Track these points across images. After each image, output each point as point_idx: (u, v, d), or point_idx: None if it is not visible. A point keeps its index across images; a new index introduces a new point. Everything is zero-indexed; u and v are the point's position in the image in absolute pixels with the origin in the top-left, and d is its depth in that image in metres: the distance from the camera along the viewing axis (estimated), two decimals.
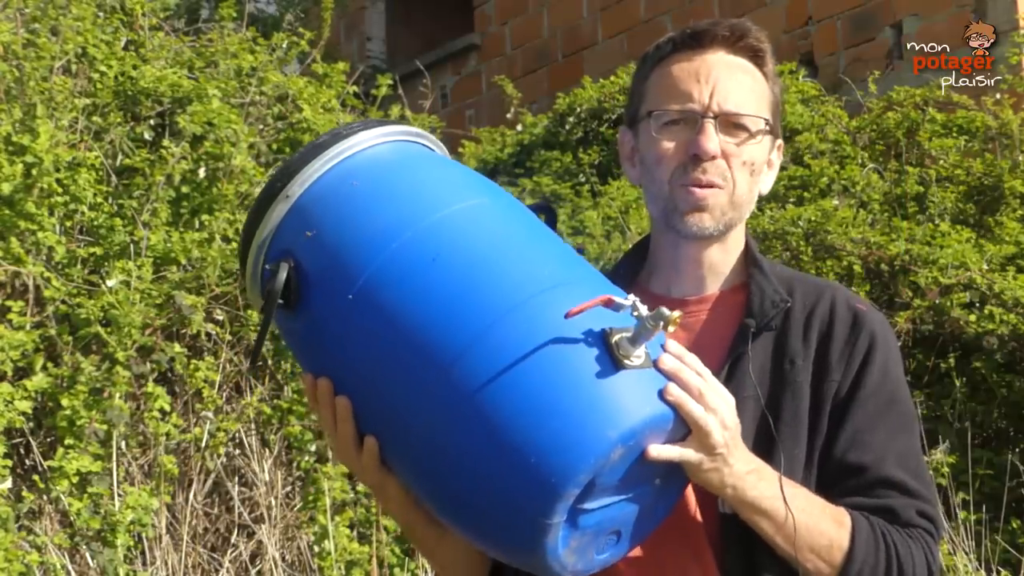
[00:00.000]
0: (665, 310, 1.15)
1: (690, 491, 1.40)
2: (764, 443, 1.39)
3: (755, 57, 1.51)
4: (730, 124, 1.45)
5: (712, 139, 1.43)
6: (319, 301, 1.24)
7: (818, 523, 1.34)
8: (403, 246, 1.21)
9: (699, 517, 1.40)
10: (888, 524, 1.38)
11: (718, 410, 1.25)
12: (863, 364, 1.44)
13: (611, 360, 1.15)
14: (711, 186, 1.44)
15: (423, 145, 1.38)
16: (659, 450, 1.21)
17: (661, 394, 1.18)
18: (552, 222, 1.42)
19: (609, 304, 1.16)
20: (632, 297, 1.18)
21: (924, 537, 1.40)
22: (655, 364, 1.20)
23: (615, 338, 1.16)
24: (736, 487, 1.29)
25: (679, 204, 1.45)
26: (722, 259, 1.51)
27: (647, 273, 1.55)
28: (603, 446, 1.12)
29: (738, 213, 1.47)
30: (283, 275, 1.24)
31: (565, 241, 1.36)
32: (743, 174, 1.46)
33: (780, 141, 1.56)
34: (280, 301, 1.25)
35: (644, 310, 1.16)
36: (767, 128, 1.48)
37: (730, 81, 1.46)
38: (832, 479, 1.40)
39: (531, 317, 1.16)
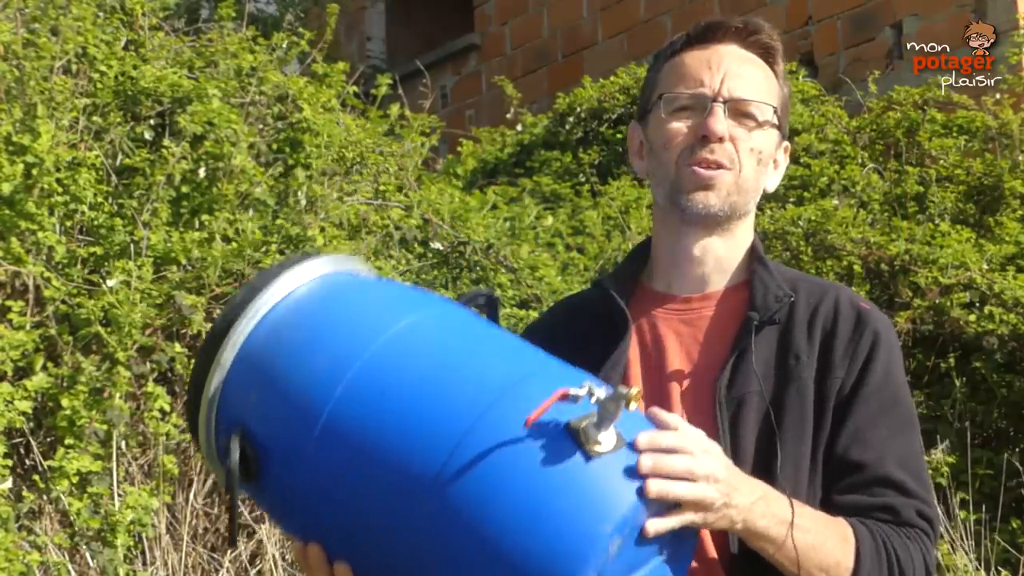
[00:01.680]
0: (623, 388, 1.12)
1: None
2: (767, 439, 1.40)
3: (766, 54, 1.52)
4: (739, 112, 1.47)
5: (721, 121, 1.45)
6: (279, 464, 1.20)
7: (824, 542, 1.33)
8: (348, 388, 1.18)
9: (712, 546, 1.40)
10: (888, 527, 1.38)
11: (709, 475, 1.21)
12: (866, 362, 1.44)
13: (582, 452, 1.12)
14: (719, 166, 1.45)
15: (345, 271, 1.34)
16: (657, 524, 1.17)
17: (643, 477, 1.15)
18: (493, 309, 1.40)
19: (565, 398, 1.13)
20: (587, 383, 1.14)
21: (921, 537, 1.40)
22: (632, 446, 1.16)
23: (581, 426, 1.12)
24: (745, 521, 1.27)
25: (684, 184, 1.46)
26: (726, 254, 1.50)
27: (648, 272, 1.56)
28: (600, 543, 1.09)
29: (743, 199, 1.48)
30: (236, 452, 1.20)
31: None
32: (750, 160, 1.47)
33: (787, 143, 1.57)
34: (242, 476, 1.21)
35: (602, 392, 1.12)
36: (775, 119, 1.50)
37: (741, 70, 1.48)
38: (833, 476, 1.40)
39: (494, 429, 1.13)
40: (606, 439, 1.12)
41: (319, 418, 1.18)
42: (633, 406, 1.12)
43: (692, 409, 1.43)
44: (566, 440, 1.12)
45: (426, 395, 1.17)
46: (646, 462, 1.17)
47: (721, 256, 1.50)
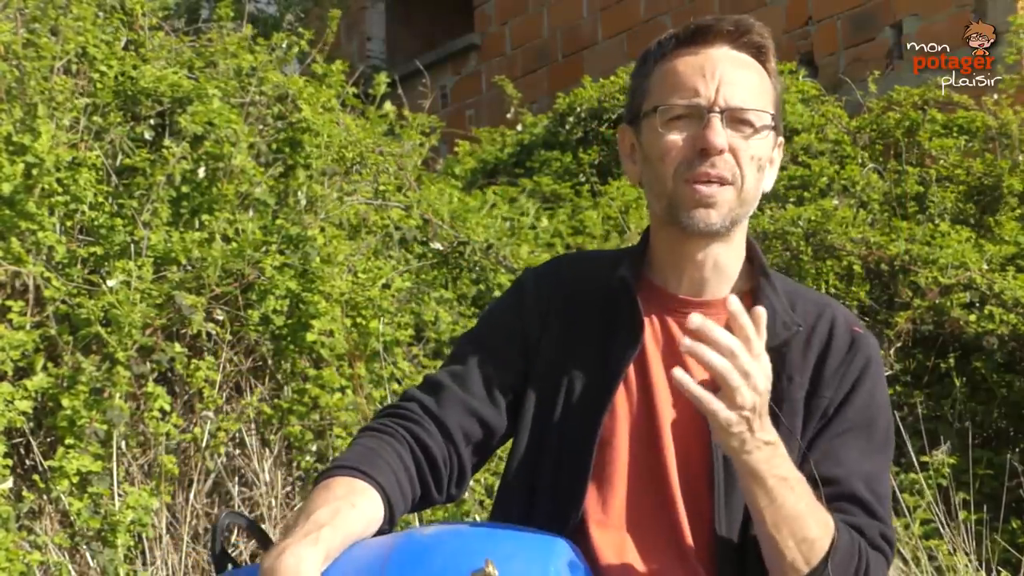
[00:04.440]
0: (489, 570, 1.14)
1: (682, 512, 1.40)
2: None
3: (758, 54, 1.50)
4: (736, 119, 1.44)
5: (720, 134, 1.42)
6: None
7: (808, 516, 1.33)
8: None
9: (691, 539, 1.41)
10: (860, 539, 1.39)
11: (750, 373, 1.25)
12: (853, 385, 1.45)
13: None
14: (720, 180, 1.43)
15: None
16: (688, 381, 1.24)
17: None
18: (255, 530, 1.44)
19: None
20: None
21: (883, 559, 1.41)
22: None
23: None
24: (752, 455, 1.29)
25: (684, 201, 1.44)
26: (726, 259, 1.50)
27: (648, 262, 1.55)
28: None
29: (745, 209, 1.47)
30: None
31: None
32: (751, 169, 1.45)
33: (781, 139, 1.56)
34: None
35: None
36: (772, 124, 1.48)
37: (735, 76, 1.46)
38: None
39: None
40: None
41: None
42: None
43: (685, 423, 1.44)
44: None
45: None
46: (695, 319, 1.26)
47: (721, 262, 1.49)
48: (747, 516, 1.39)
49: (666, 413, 1.45)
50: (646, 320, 1.49)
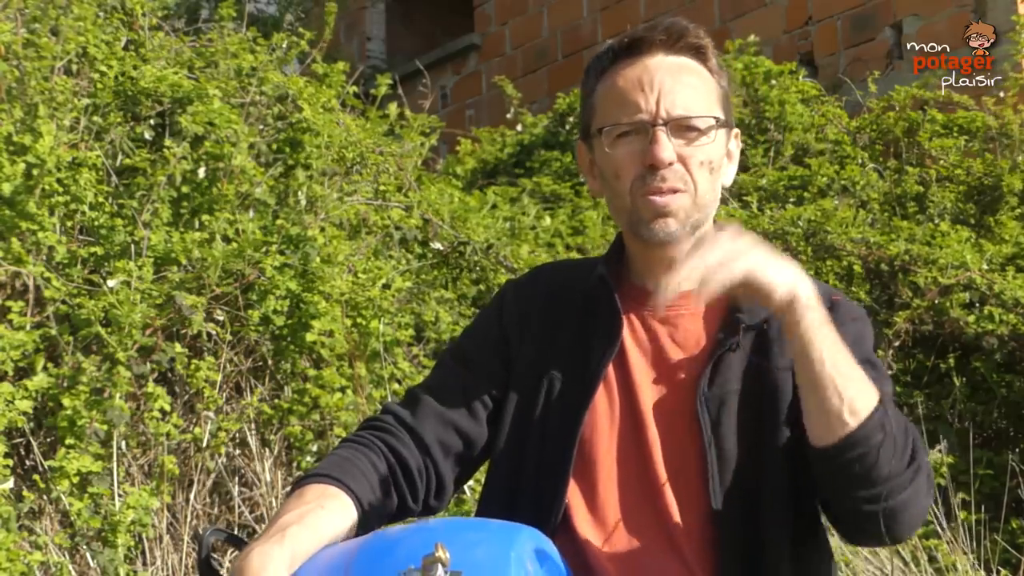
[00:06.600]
0: (428, 556, 1.12)
1: (673, 505, 1.41)
2: (751, 435, 1.41)
3: (697, 55, 1.50)
4: (681, 127, 1.44)
5: (666, 147, 1.43)
6: None
7: (861, 378, 1.35)
8: None
9: (683, 531, 1.41)
10: None
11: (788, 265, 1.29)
12: (841, 332, 1.43)
13: None
14: (673, 191, 1.44)
15: None
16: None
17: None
18: (236, 542, 1.43)
19: None
20: None
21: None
22: None
23: None
24: (811, 311, 1.31)
25: (642, 213, 1.45)
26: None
27: (625, 268, 1.56)
28: None
29: (703, 214, 1.47)
30: None
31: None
32: (703, 174, 1.46)
33: (736, 130, 1.56)
34: None
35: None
36: (718, 124, 1.48)
37: (675, 84, 1.46)
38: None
39: None
40: None
41: None
42: (440, 569, 1.13)
43: (669, 416, 1.44)
44: None
45: None
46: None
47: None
48: (744, 499, 1.39)
49: (648, 409, 1.46)
50: (624, 319, 1.50)
